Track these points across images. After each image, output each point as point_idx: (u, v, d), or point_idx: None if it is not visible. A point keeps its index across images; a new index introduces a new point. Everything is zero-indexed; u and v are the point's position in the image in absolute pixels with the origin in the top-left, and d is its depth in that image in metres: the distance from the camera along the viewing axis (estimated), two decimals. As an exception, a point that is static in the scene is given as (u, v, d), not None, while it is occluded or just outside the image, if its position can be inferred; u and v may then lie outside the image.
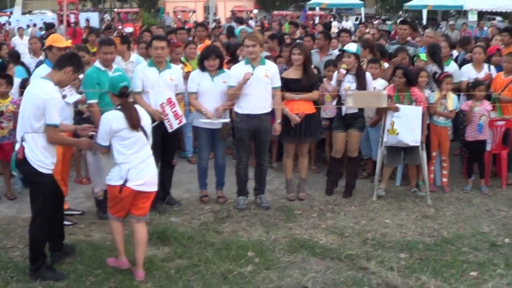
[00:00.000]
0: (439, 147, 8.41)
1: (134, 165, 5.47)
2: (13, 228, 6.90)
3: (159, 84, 7.19)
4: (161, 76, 7.22)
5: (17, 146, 5.50)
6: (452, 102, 8.29)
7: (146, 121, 5.67)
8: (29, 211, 6.00)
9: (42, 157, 5.41)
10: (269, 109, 7.42)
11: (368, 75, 7.90)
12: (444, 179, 8.44)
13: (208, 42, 11.08)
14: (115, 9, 50.85)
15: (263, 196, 7.68)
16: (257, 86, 7.26)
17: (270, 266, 5.86)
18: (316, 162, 9.27)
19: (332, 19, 37.42)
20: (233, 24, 22.85)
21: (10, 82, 8.02)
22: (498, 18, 39.30)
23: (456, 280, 5.66)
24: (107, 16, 45.84)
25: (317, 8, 42.69)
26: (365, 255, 6.17)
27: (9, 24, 34.65)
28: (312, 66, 8.28)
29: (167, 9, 45.43)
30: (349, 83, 7.72)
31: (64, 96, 6.42)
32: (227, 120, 7.46)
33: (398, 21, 16.18)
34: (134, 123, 5.46)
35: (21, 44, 17.98)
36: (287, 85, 7.65)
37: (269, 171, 8.33)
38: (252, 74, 7.18)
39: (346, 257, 6.08)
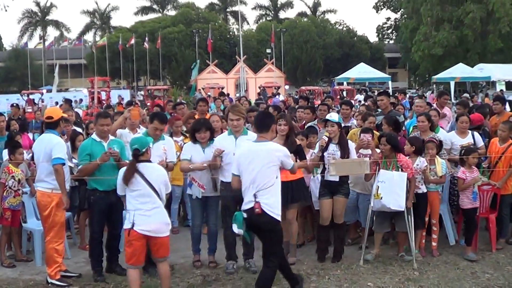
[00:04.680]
0: (430, 211, 8.56)
1: (140, 213, 6.46)
2: (12, 289, 7.35)
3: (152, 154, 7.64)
4: (154, 147, 7.67)
5: None
6: (441, 167, 8.53)
7: (155, 177, 6.61)
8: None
9: None
10: None
11: (350, 143, 8.20)
12: (434, 243, 8.53)
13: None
14: (147, 87, 53.01)
15: (251, 260, 7.92)
16: None
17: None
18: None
19: (359, 94, 38.24)
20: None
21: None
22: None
23: None
24: (139, 94, 47.58)
25: (345, 83, 43.64)
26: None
27: (42, 101, 36.35)
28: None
29: (199, 86, 46.92)
30: (333, 151, 8.05)
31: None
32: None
33: (377, 93, 16.68)
34: (125, 178, 6.53)
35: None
36: None
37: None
38: (223, 151, 7.61)
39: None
